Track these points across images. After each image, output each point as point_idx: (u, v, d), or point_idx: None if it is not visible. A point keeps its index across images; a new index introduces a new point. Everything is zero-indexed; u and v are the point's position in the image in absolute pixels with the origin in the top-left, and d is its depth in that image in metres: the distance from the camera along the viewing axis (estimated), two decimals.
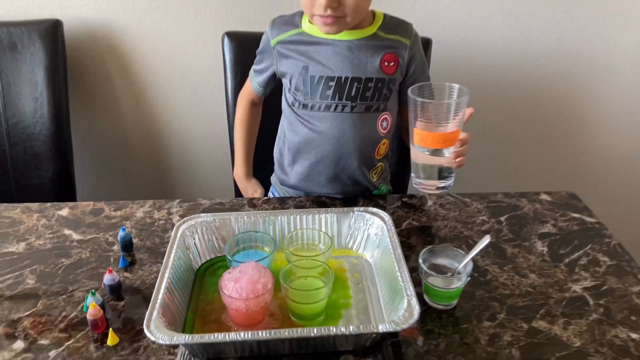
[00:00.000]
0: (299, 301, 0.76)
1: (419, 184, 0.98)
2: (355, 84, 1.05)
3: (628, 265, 0.90)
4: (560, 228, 1.00)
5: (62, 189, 1.48)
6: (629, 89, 1.63)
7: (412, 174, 0.99)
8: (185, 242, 0.87)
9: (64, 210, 1.03)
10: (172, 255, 0.82)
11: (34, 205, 1.05)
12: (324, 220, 0.93)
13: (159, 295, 0.74)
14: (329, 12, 0.97)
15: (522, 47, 1.55)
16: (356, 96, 1.06)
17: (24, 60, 1.41)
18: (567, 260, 0.91)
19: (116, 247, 0.93)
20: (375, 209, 0.93)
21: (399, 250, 0.82)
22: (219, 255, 0.91)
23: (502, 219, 1.03)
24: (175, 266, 0.81)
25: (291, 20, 1.11)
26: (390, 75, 1.08)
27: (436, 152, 0.93)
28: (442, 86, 0.94)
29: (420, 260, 0.81)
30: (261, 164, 1.30)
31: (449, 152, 0.93)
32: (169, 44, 1.50)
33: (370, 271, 0.89)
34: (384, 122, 1.11)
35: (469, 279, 0.82)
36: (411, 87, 0.92)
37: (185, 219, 0.90)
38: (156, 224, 1.00)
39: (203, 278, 0.87)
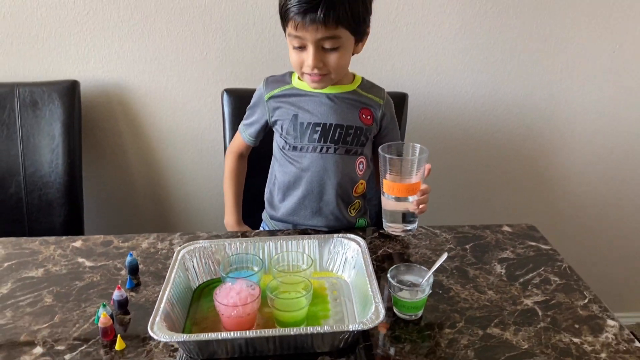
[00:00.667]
0: (282, 309, 0.87)
1: (388, 227, 1.16)
2: (338, 129, 1.22)
3: (576, 284, 1.02)
4: (518, 254, 1.12)
5: (72, 234, 1.59)
6: (593, 139, 1.79)
7: (383, 218, 1.16)
8: (184, 264, 1.00)
9: (78, 242, 1.16)
10: (173, 274, 0.94)
11: (51, 239, 1.18)
12: (307, 245, 1.06)
13: (161, 304, 0.86)
14: (315, 71, 1.14)
15: (492, 102, 1.72)
16: (338, 140, 1.22)
17: (43, 116, 1.56)
18: (521, 279, 1.04)
19: (124, 272, 1.06)
20: (352, 235, 1.06)
21: (371, 268, 0.95)
22: (214, 277, 1.03)
23: (467, 246, 1.15)
24: (175, 283, 0.93)
25: (282, 79, 1.29)
26: (367, 126, 1.25)
27: (402, 200, 1.11)
28: (407, 145, 1.13)
29: (388, 276, 0.94)
30: (251, 208, 1.44)
31: (412, 199, 1.10)
32: (174, 100, 1.67)
33: (347, 289, 1.01)
34: (361, 165, 1.27)
35: (431, 291, 0.94)
36: (381, 146, 1.11)
37: (185, 244, 1.02)
38: (159, 252, 1.12)
39: (200, 296, 0.99)
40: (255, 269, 0.99)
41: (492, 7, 1.59)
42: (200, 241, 1.04)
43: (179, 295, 0.93)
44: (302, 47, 1.13)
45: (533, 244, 1.16)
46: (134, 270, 1.04)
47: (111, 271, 1.06)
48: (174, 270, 0.95)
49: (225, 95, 1.52)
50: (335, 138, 1.22)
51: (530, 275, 1.05)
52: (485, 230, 1.22)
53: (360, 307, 0.92)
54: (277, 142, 1.29)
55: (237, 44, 1.60)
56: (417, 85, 1.68)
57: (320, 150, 1.22)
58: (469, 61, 1.66)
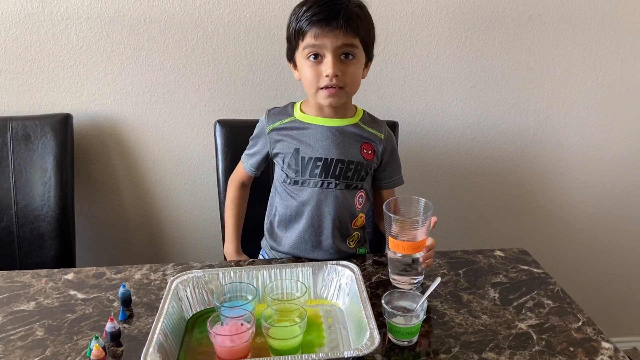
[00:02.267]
0: (277, 338, 0.87)
1: (393, 280, 1.14)
2: (339, 164, 1.22)
3: (569, 307, 1.03)
4: (511, 278, 1.13)
5: (63, 267, 1.58)
6: (580, 164, 1.81)
7: (389, 271, 1.15)
8: (178, 294, 0.99)
9: (70, 275, 1.16)
10: (166, 304, 0.94)
11: (43, 271, 1.17)
12: (301, 273, 1.06)
13: (155, 335, 0.85)
14: (334, 80, 1.14)
15: (481, 130, 1.75)
16: (339, 175, 1.23)
17: (36, 150, 1.56)
18: (515, 303, 1.04)
19: (116, 304, 1.05)
20: (345, 262, 1.07)
21: (365, 294, 0.95)
22: (208, 307, 1.03)
23: (460, 271, 1.16)
24: (169, 313, 0.92)
25: (284, 111, 1.30)
26: (368, 161, 1.25)
27: (407, 256, 1.10)
28: (410, 199, 1.12)
29: (383, 302, 0.94)
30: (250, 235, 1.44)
31: (419, 255, 1.09)
32: (166, 132, 1.68)
33: (342, 316, 1.01)
34: (360, 199, 1.27)
35: (425, 316, 0.94)
36: (385, 202, 1.10)
37: (179, 274, 1.02)
38: (152, 283, 1.12)
39: (194, 326, 0.99)
40: (249, 297, 0.99)
41: (479, 37, 1.63)
42: (194, 271, 1.04)
43: (172, 326, 0.92)
44: (318, 58, 1.15)
45: (525, 267, 1.17)
46: (126, 301, 1.03)
47: (103, 303, 1.05)
48: (167, 301, 0.95)
49: (217, 126, 1.53)
50: (337, 173, 1.22)
51: (524, 299, 1.05)
52: (478, 255, 1.22)
53: (355, 334, 0.92)
54: (278, 175, 1.29)
55: (229, 76, 1.62)
56: (407, 113, 1.71)
57: (321, 185, 1.22)
58: (457, 89, 1.69)
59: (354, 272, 1.03)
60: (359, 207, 1.28)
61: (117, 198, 1.74)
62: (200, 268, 1.17)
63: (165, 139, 1.69)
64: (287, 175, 1.25)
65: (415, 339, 0.93)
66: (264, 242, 1.38)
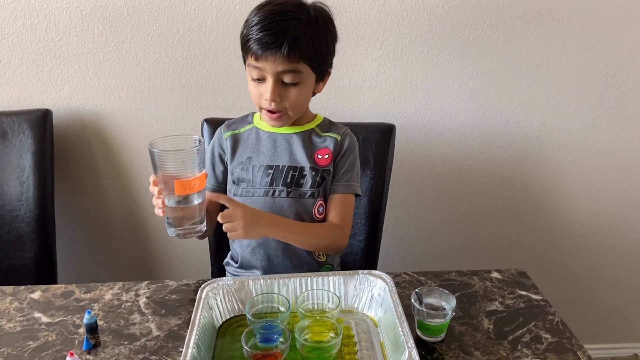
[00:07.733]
0: (312, 354, 0.84)
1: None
2: (291, 171, 1.16)
3: (568, 342, 0.95)
4: (507, 305, 1.05)
5: (44, 269, 1.52)
6: (586, 167, 1.72)
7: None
8: (208, 303, 0.97)
9: (36, 293, 1.09)
10: (198, 315, 0.91)
11: (9, 289, 1.10)
12: (332, 282, 1.03)
13: (189, 349, 0.82)
14: (273, 105, 1.09)
15: (483, 130, 1.66)
16: (291, 183, 1.16)
17: (13, 147, 1.49)
18: (510, 337, 0.96)
19: (82, 330, 0.98)
20: (377, 272, 1.02)
21: (400, 308, 0.91)
22: (237, 314, 1.01)
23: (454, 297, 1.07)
24: (201, 324, 0.90)
25: (244, 119, 1.25)
26: (323, 167, 1.18)
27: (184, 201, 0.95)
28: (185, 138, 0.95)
29: (412, 300, 0.95)
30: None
31: (197, 200, 0.95)
32: (151, 129, 1.60)
33: (374, 328, 0.98)
34: (320, 208, 1.20)
35: (454, 313, 0.95)
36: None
37: (209, 281, 1.00)
38: (123, 306, 1.05)
39: (225, 334, 0.96)
40: (282, 309, 0.96)
41: (482, 33, 1.53)
42: (223, 279, 1.01)
43: (205, 336, 0.90)
44: (261, 80, 1.09)
45: (523, 293, 1.09)
46: (92, 329, 0.96)
47: (68, 329, 0.98)
48: (199, 311, 0.92)
49: (205, 125, 1.45)
50: (288, 181, 1.17)
51: (520, 331, 0.97)
52: (473, 277, 1.14)
53: (391, 350, 0.89)
54: (228, 191, 1.23)
55: (218, 71, 1.54)
56: (405, 112, 1.62)
57: (272, 194, 1.16)
58: (458, 88, 1.60)
59: (387, 283, 0.99)
60: (319, 217, 1.20)
61: (100, 197, 1.67)
62: (175, 290, 1.10)
63: (151, 135, 1.61)
64: (239, 187, 1.19)
65: (443, 335, 0.96)
66: (229, 268, 1.30)
